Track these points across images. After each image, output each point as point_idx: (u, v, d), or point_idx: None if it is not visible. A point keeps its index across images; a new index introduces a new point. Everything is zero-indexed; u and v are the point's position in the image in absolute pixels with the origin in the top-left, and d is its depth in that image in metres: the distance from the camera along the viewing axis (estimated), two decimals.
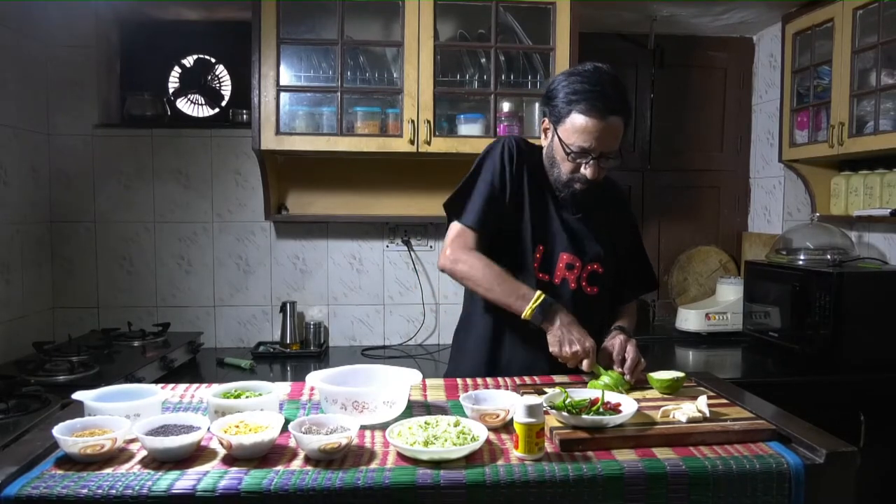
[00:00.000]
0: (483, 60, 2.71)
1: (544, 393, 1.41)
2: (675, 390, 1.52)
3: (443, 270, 1.76)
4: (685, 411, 1.30)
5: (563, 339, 1.61)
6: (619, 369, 1.60)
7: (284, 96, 2.62)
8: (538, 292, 1.64)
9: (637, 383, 1.59)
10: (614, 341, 1.67)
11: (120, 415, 1.24)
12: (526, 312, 1.63)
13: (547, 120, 1.72)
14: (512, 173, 1.72)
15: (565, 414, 1.27)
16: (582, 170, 1.67)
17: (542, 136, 1.76)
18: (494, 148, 1.76)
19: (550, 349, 1.63)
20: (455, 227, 1.74)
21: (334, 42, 2.60)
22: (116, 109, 3.00)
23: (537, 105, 2.68)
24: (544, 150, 1.77)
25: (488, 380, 1.68)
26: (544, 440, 1.20)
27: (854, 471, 1.16)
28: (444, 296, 3.06)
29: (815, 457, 1.17)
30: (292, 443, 1.21)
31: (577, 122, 1.63)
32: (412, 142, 2.61)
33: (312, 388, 1.49)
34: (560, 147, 1.67)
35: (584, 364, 1.60)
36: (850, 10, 2.52)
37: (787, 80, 2.96)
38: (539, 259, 1.73)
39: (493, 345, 1.78)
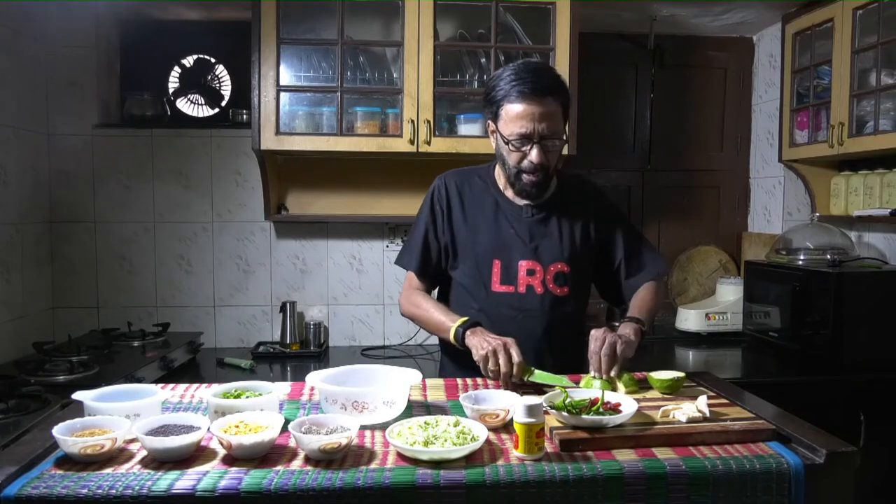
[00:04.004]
0: (483, 60, 2.70)
1: (544, 393, 1.41)
2: (675, 390, 1.52)
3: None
4: (685, 411, 1.30)
5: (482, 368, 1.58)
6: (593, 373, 1.56)
7: (284, 96, 2.62)
8: (457, 321, 1.69)
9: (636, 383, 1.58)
10: (596, 335, 1.59)
11: (120, 415, 1.24)
12: (451, 340, 1.70)
13: (490, 122, 1.75)
14: (443, 212, 1.84)
15: (565, 414, 1.27)
16: (527, 158, 1.69)
17: (491, 139, 1.78)
18: (426, 196, 1.88)
19: None
20: (406, 274, 1.91)
21: (334, 42, 2.60)
22: (116, 109, 2.99)
23: None
24: (495, 154, 1.79)
25: (488, 380, 1.68)
26: (544, 440, 1.20)
27: (854, 471, 1.16)
28: None
29: (815, 457, 1.17)
30: (292, 443, 1.21)
31: (511, 111, 1.66)
32: (412, 142, 2.61)
33: (312, 388, 1.49)
34: (503, 142, 1.70)
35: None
36: (850, 10, 2.52)
37: (787, 80, 2.96)
38: (499, 273, 1.78)
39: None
